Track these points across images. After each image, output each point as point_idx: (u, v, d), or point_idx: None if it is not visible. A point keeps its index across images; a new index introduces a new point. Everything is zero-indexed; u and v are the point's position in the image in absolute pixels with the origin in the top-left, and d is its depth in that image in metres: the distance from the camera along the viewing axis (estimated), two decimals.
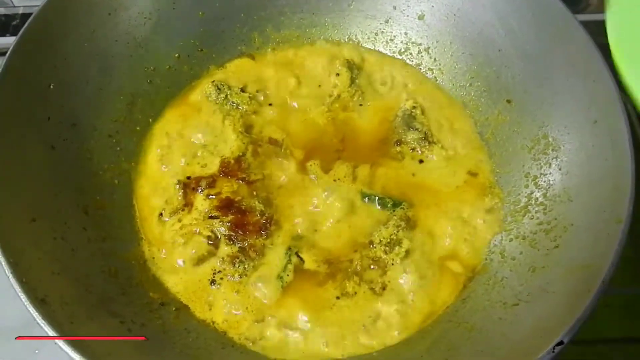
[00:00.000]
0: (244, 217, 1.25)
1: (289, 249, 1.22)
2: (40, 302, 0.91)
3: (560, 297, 1.00)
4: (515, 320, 1.05)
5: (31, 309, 0.88)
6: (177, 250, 1.22)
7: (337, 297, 1.18)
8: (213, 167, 1.33)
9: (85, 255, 1.12)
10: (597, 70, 1.14)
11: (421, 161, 1.36)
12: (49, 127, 1.17)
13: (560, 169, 1.20)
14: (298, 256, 1.22)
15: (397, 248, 1.22)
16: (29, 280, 0.93)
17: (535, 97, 1.28)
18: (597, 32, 1.20)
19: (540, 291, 1.06)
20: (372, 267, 1.21)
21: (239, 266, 1.19)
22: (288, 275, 1.20)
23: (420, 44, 1.47)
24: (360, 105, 1.43)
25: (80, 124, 1.24)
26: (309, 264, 1.21)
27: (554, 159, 1.22)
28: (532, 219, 1.21)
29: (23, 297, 0.90)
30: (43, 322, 0.88)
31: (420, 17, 1.45)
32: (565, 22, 1.20)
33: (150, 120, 1.39)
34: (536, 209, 1.21)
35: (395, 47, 1.50)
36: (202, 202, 1.27)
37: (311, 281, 1.20)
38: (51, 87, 1.19)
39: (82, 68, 1.26)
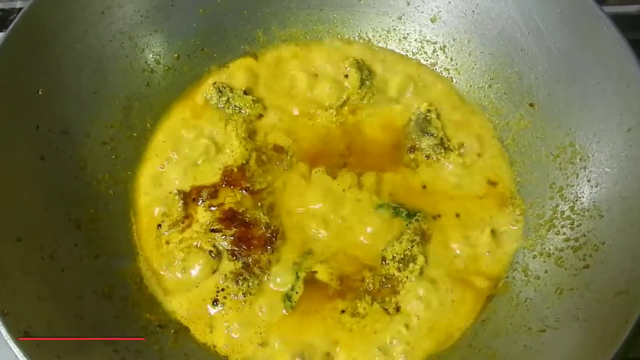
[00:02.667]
0: (248, 231, 1.17)
1: (296, 264, 1.14)
2: (23, 335, 0.83)
3: (594, 326, 0.92)
4: (542, 349, 0.97)
5: (12, 345, 0.81)
6: (176, 267, 1.15)
7: (342, 311, 1.11)
8: (215, 176, 1.25)
9: (76, 275, 1.04)
10: (630, 72, 1.04)
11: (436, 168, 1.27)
12: (38, 135, 1.10)
13: (589, 181, 1.11)
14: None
15: (411, 265, 1.14)
16: (12, 310, 0.85)
17: (561, 100, 1.18)
18: (628, 27, 1.10)
19: (569, 317, 0.97)
20: (384, 285, 1.13)
21: (242, 284, 1.12)
22: (297, 292, 1.12)
23: (435, 43, 1.38)
24: (371, 108, 1.34)
25: (72, 132, 1.17)
26: (322, 275, 1.14)
27: (582, 170, 1.12)
28: (557, 234, 1.12)
29: (3, 330, 0.82)
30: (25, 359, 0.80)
31: (436, 14, 1.35)
32: (596, 19, 1.09)
33: (148, 125, 1.31)
34: (562, 223, 1.13)
35: (409, 45, 1.40)
36: (203, 214, 1.20)
37: (321, 295, 1.13)
38: (40, 92, 1.11)
39: (74, 71, 1.18)
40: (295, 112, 1.34)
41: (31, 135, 1.08)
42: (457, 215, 1.21)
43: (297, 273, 1.13)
